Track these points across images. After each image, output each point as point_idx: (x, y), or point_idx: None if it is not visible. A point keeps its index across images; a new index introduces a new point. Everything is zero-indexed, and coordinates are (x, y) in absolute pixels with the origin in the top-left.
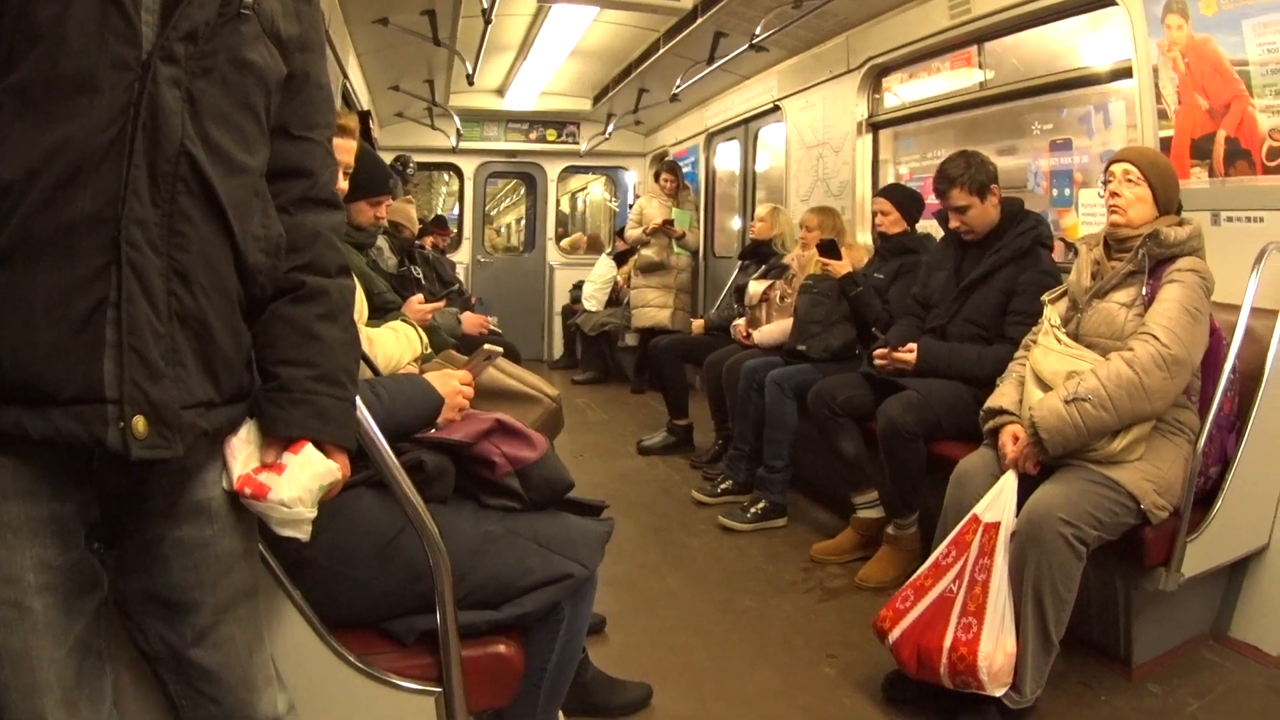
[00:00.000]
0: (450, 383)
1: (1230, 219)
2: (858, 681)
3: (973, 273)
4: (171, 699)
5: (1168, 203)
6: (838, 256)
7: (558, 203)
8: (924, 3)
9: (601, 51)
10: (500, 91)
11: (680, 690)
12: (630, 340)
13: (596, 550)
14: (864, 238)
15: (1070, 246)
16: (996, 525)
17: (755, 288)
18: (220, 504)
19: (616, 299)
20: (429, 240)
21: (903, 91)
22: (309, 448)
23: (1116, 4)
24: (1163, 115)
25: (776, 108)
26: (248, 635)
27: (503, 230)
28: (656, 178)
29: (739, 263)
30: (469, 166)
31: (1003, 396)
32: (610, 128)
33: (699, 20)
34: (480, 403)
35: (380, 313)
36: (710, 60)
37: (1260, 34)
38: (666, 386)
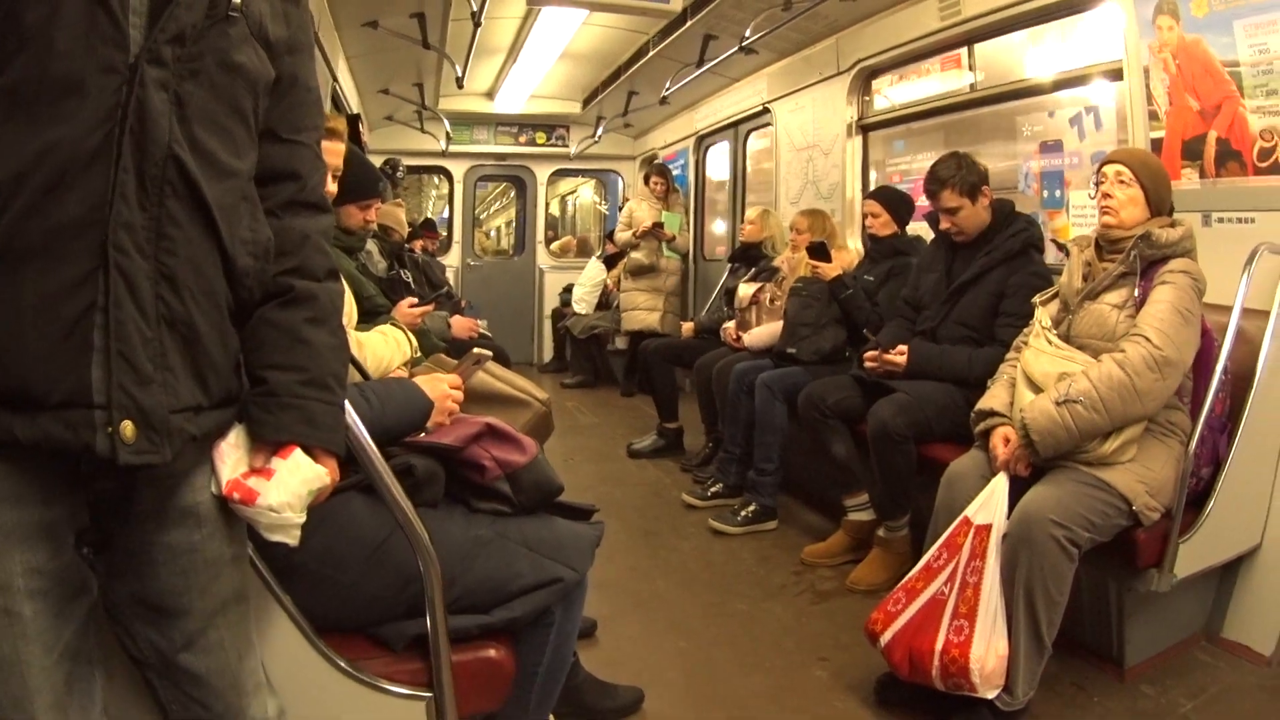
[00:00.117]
0: (440, 386)
1: (1221, 220)
2: (849, 684)
3: (963, 274)
4: (162, 704)
5: (1159, 204)
6: (827, 259)
7: (547, 206)
8: (914, 5)
9: (591, 54)
10: (490, 95)
11: (671, 694)
12: (620, 343)
13: (587, 554)
14: (854, 244)
15: (1061, 248)
16: (988, 527)
17: (745, 290)
18: (209, 509)
19: (606, 302)
20: (418, 244)
21: (892, 94)
22: (298, 453)
23: (1107, 5)
24: (1154, 116)
25: (766, 110)
26: (237, 640)
27: (492, 233)
28: (646, 181)
29: (729, 265)
30: (458, 170)
31: (994, 398)
32: (600, 131)
33: (689, 23)
34: (470, 406)
35: (370, 316)
36: (700, 63)
37: (1251, 35)
38: (656, 390)
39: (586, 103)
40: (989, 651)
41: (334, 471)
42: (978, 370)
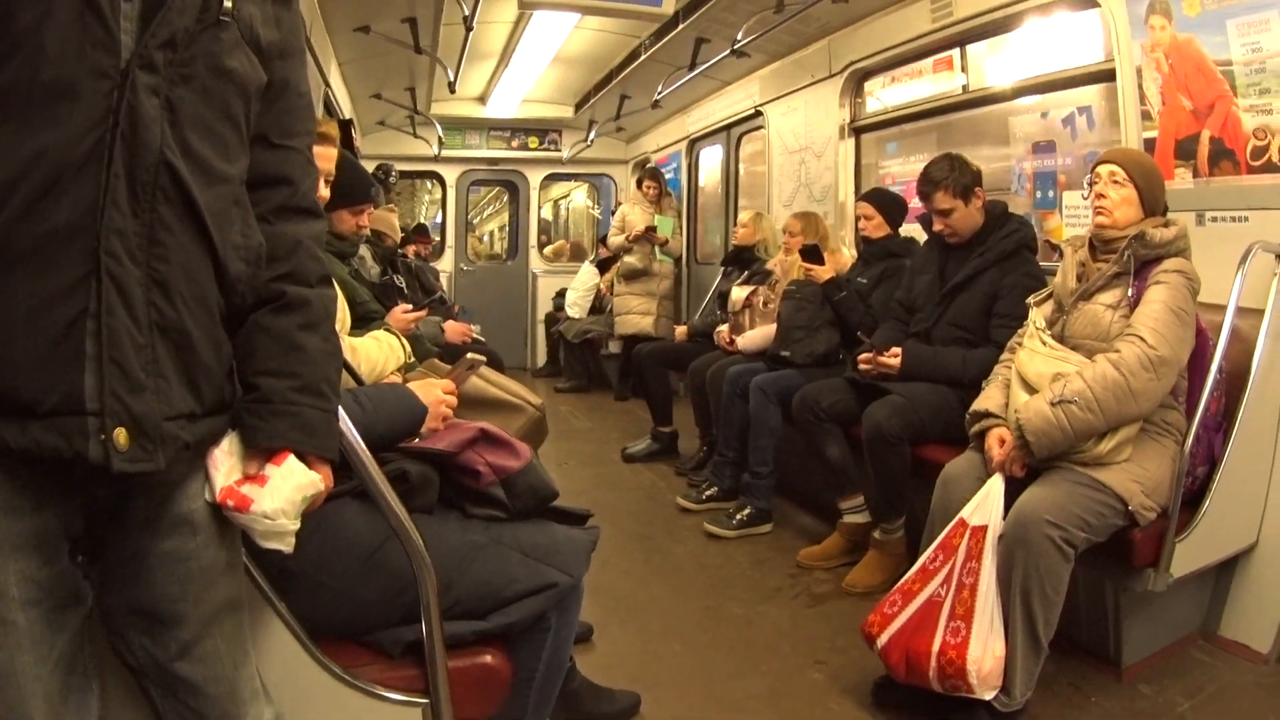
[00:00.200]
0: (433, 392)
1: (1215, 219)
2: (846, 687)
3: (957, 276)
4: (158, 713)
5: (1153, 204)
6: (820, 261)
7: (540, 210)
8: (905, 7)
9: (583, 58)
10: (482, 99)
11: (668, 698)
12: (614, 347)
13: (582, 559)
14: (849, 253)
15: (1055, 248)
16: (984, 528)
17: (738, 294)
18: (203, 516)
19: (599, 306)
20: (412, 249)
21: (885, 96)
22: (291, 459)
23: (1099, 5)
24: (1147, 116)
25: (759, 113)
26: (233, 648)
27: (485, 238)
28: (639, 184)
29: (722, 269)
30: (451, 174)
31: (988, 399)
32: (592, 135)
33: (680, 26)
34: (464, 412)
35: (363, 322)
36: (692, 66)
37: (1244, 34)
38: (650, 393)
39: (579, 107)
40: (986, 652)
41: (328, 478)
42: (972, 371)
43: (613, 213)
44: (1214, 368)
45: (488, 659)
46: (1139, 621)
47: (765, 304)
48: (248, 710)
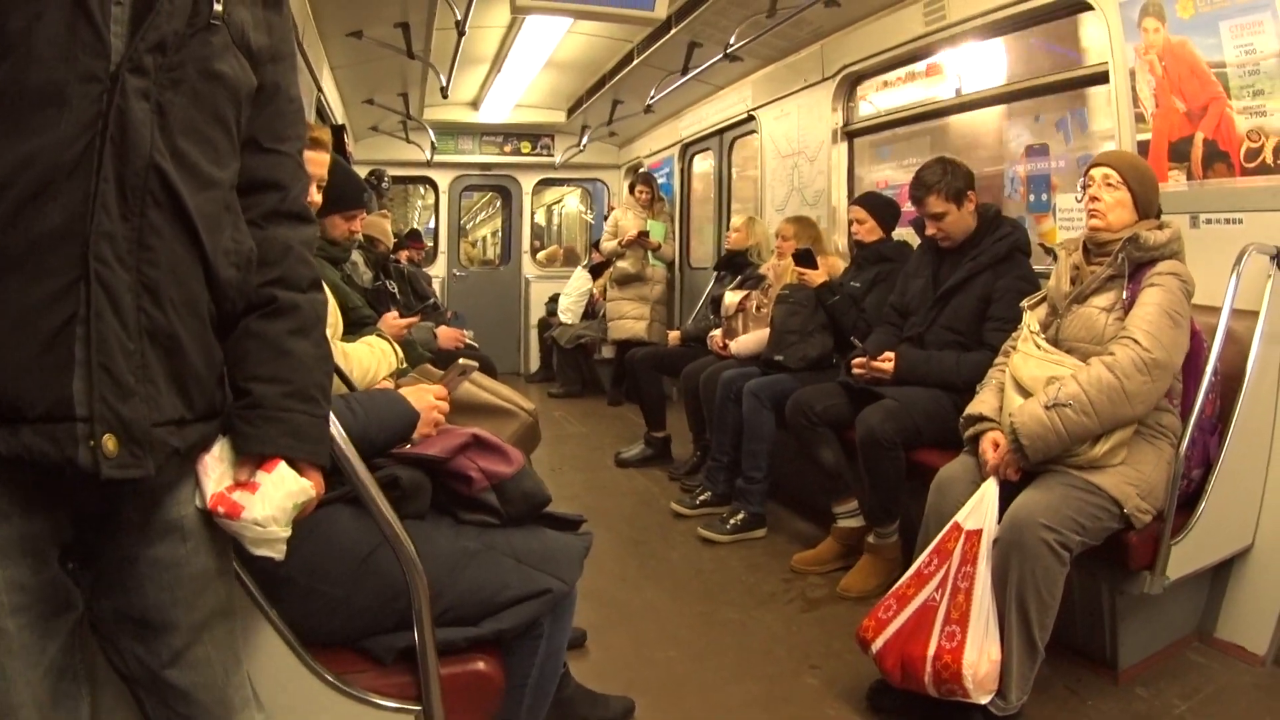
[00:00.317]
0: (425, 397)
1: (1209, 221)
2: (841, 692)
3: (950, 280)
4: None
5: (1147, 206)
6: (813, 265)
7: (533, 215)
8: (898, 10)
9: (575, 63)
10: (474, 104)
11: (662, 703)
12: (607, 352)
13: (575, 565)
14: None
15: (1049, 251)
16: (979, 532)
17: (731, 298)
18: (194, 523)
19: (592, 311)
20: (404, 254)
21: (877, 100)
22: (282, 466)
23: (1092, 8)
24: (1140, 119)
25: (751, 117)
26: (224, 655)
27: (478, 243)
28: (631, 189)
29: (715, 273)
30: (444, 180)
31: (983, 403)
32: (585, 140)
33: (673, 30)
34: (456, 417)
35: (355, 327)
36: (684, 71)
37: (1237, 35)
38: (644, 398)
39: (571, 112)
40: (982, 657)
41: (319, 484)
42: (966, 375)
43: (605, 218)
44: (1209, 370)
45: (480, 666)
46: (1135, 624)
47: (758, 308)
48: (239, 717)
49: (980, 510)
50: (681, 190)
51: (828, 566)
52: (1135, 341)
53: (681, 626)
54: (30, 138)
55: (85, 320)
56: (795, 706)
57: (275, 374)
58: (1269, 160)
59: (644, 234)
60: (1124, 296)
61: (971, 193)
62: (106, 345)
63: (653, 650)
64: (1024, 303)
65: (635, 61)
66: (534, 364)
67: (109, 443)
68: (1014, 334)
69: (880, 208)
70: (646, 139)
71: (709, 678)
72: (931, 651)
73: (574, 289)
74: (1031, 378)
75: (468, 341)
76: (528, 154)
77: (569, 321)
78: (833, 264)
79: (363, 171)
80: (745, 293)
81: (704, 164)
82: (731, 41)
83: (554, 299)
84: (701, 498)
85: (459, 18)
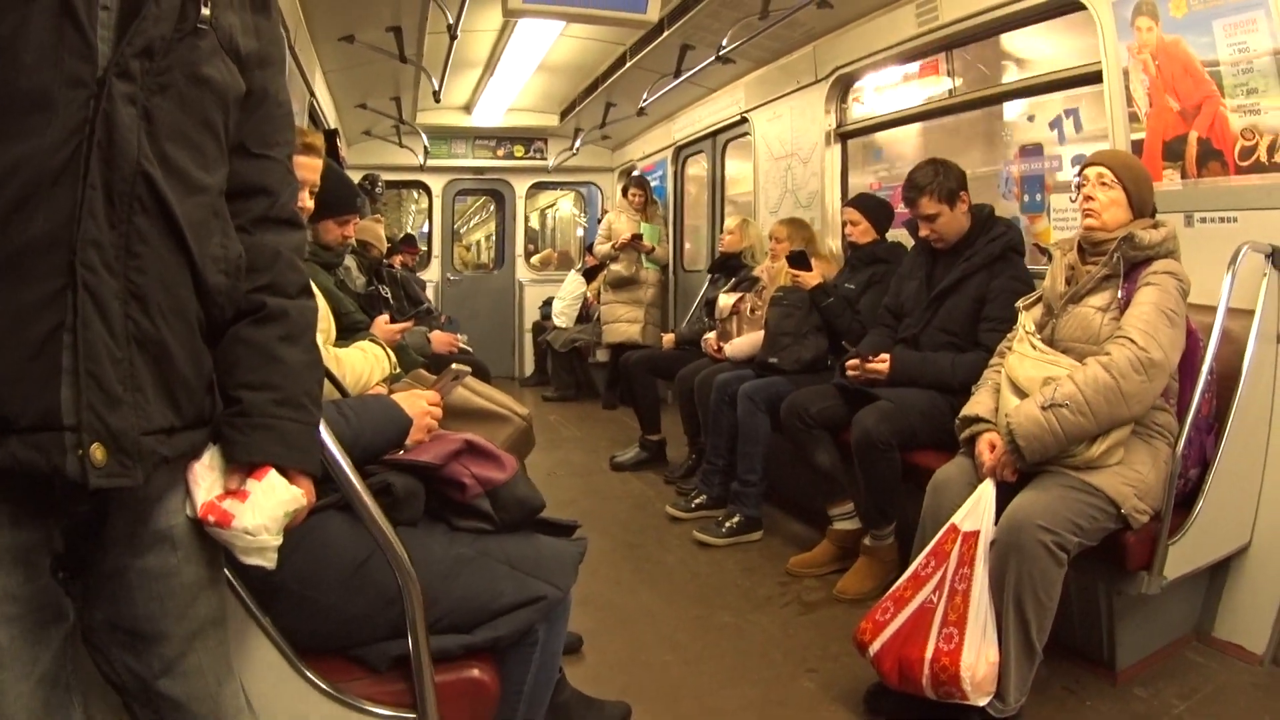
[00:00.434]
0: (418, 403)
1: (1204, 220)
2: (838, 695)
3: (944, 281)
4: None
5: (1142, 205)
6: (807, 268)
7: (526, 219)
8: (891, 11)
9: (568, 66)
10: (467, 108)
11: (659, 708)
12: (601, 356)
13: (569, 571)
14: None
15: (1044, 252)
16: (976, 534)
17: (725, 301)
18: (184, 532)
19: (586, 315)
20: (398, 259)
21: (871, 101)
22: (273, 473)
23: (1085, 8)
24: (1134, 118)
25: (744, 119)
26: (217, 665)
27: (472, 247)
28: (625, 193)
29: (709, 276)
30: (437, 184)
31: (979, 404)
32: (578, 143)
33: (666, 33)
34: (449, 423)
35: (348, 333)
36: (677, 73)
37: (1231, 34)
38: (638, 402)
39: (564, 115)
40: (979, 659)
41: (310, 492)
42: (961, 376)
43: (599, 221)
44: (1205, 369)
45: (475, 673)
46: (1133, 624)
47: (752, 311)
48: None
49: (977, 512)
50: (675, 193)
51: (824, 569)
52: (1131, 341)
53: (677, 630)
54: (16, 143)
55: (73, 328)
56: (792, 710)
57: (265, 381)
58: (1263, 159)
59: (637, 237)
60: (1119, 296)
61: (964, 193)
62: (94, 353)
63: (649, 655)
64: (1019, 303)
65: (628, 64)
66: (528, 368)
67: (97, 452)
68: (1009, 334)
69: (874, 209)
70: (640, 142)
71: (705, 682)
72: (929, 654)
73: (568, 293)
74: (1027, 378)
75: (461, 346)
76: (521, 158)
77: (563, 325)
78: (826, 266)
79: (356, 176)
80: (739, 295)
81: (697, 166)
82: (724, 43)
83: (548, 303)
84: (697, 501)
85: (451, 21)
